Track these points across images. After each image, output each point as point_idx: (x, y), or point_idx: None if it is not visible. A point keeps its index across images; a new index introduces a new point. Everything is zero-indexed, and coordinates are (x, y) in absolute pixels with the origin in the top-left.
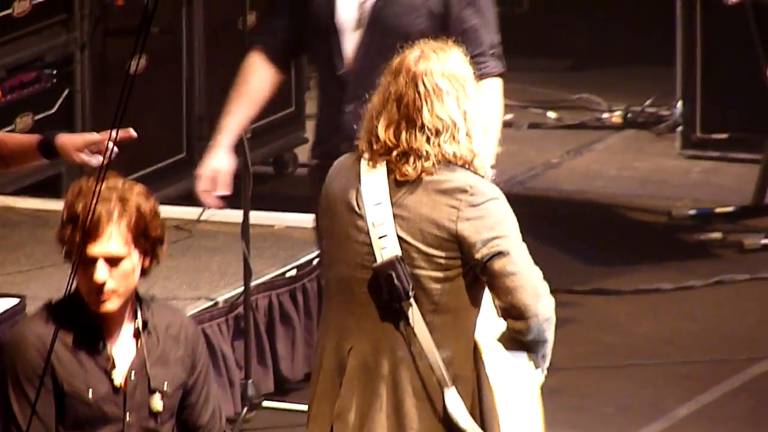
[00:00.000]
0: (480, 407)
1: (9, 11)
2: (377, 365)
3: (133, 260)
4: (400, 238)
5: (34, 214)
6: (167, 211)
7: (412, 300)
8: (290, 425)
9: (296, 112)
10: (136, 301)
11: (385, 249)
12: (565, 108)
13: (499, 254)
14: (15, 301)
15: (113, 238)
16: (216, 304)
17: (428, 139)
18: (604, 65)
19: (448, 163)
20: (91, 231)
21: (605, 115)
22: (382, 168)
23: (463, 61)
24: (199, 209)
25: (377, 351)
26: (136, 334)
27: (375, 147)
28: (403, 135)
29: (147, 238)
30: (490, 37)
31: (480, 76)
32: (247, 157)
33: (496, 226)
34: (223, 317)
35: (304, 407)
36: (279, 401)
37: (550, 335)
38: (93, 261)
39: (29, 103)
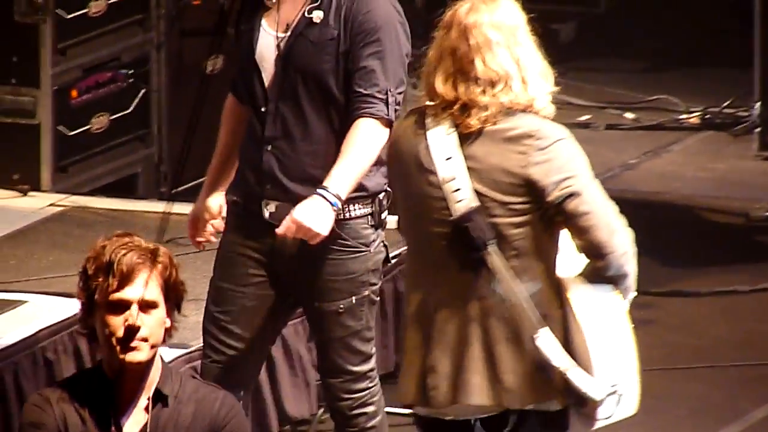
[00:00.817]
0: (570, 344)
1: (85, 11)
2: (465, 316)
3: (163, 312)
4: (475, 190)
5: (109, 214)
6: None
7: (493, 248)
8: None
9: None
10: (158, 368)
11: (460, 202)
12: (642, 109)
13: (571, 195)
14: None
15: (149, 284)
16: None
17: (484, 91)
18: (682, 66)
19: (509, 110)
20: (126, 276)
21: (683, 117)
22: (446, 122)
23: (512, 9)
24: None
25: (464, 302)
26: (147, 408)
27: (436, 102)
28: (461, 88)
29: (175, 293)
30: (386, 81)
31: (360, 115)
32: None
33: (565, 167)
34: (299, 318)
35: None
36: None
37: (629, 268)
38: (126, 307)
39: (105, 103)
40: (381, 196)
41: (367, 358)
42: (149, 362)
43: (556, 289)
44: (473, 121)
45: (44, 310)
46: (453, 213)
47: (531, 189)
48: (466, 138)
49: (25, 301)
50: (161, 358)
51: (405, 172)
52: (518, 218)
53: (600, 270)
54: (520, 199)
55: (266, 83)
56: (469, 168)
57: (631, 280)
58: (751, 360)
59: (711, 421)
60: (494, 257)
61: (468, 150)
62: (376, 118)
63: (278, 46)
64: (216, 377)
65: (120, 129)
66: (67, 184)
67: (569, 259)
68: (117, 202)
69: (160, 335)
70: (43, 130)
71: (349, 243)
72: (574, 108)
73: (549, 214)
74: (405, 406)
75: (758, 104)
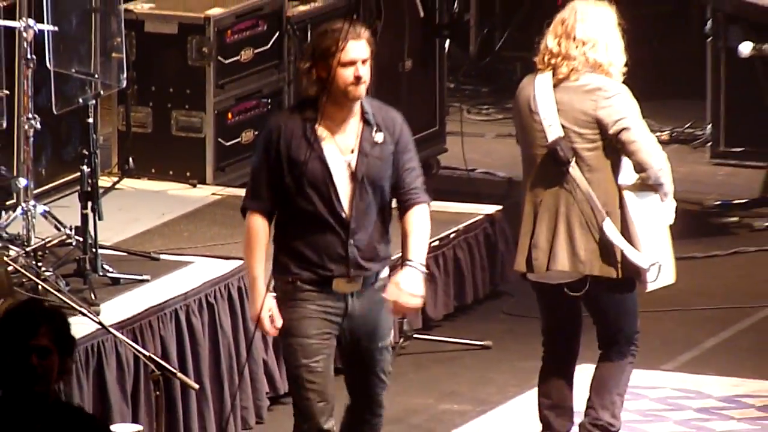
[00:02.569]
0: (625, 230)
1: (238, 57)
2: (556, 209)
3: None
4: (561, 124)
5: None
6: None
7: (573, 164)
8: (433, 351)
9: (439, 131)
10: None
11: (552, 132)
12: None
13: (624, 129)
14: (240, 261)
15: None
16: None
17: (577, 47)
18: (655, 98)
19: (591, 67)
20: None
21: (657, 134)
22: (548, 74)
23: (610, 9)
24: None
25: (556, 200)
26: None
27: (546, 57)
28: (562, 44)
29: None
30: (421, 174)
31: (416, 202)
32: None
33: (621, 111)
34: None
35: (445, 338)
36: (425, 335)
37: (665, 179)
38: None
39: (250, 123)
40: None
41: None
42: None
43: (617, 193)
44: (563, 69)
45: (207, 269)
46: (548, 139)
47: (599, 124)
48: (558, 86)
49: (194, 262)
50: None
51: (521, 112)
52: (590, 144)
53: (644, 180)
54: (591, 131)
55: (343, 195)
56: (558, 110)
57: (667, 189)
58: (705, 305)
59: (676, 348)
60: (575, 170)
61: (558, 97)
62: (426, 203)
63: (349, 165)
64: (321, 413)
65: None
66: (224, 179)
67: (628, 175)
68: None
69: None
70: (208, 141)
71: None
72: None
73: (611, 143)
74: (521, 275)
75: (709, 126)
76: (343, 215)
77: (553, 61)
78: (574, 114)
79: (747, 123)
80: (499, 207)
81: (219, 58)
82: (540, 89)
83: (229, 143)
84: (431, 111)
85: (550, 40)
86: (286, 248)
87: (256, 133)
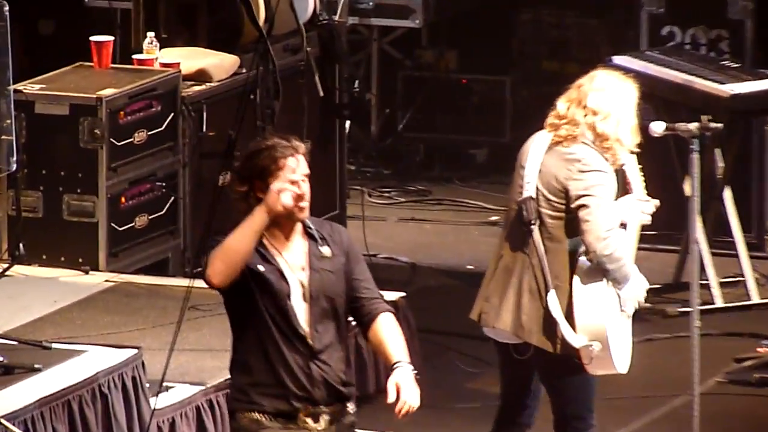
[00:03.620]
0: (567, 308)
1: (131, 140)
2: (513, 269)
3: None
4: (537, 187)
5: (148, 288)
6: None
7: (535, 228)
8: None
9: (339, 214)
10: None
11: (526, 191)
12: None
13: (584, 206)
14: (134, 351)
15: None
16: None
17: (585, 115)
18: None
19: (592, 140)
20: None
21: None
22: (548, 136)
23: (630, 84)
24: None
25: (514, 260)
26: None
27: (552, 120)
28: (571, 109)
29: None
30: (375, 287)
31: (382, 311)
32: None
33: (590, 188)
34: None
35: None
36: None
37: (610, 267)
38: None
39: (145, 207)
40: None
41: None
42: None
43: (570, 268)
44: (562, 132)
45: (101, 358)
46: (521, 196)
47: (566, 195)
48: (550, 149)
49: (87, 351)
50: None
51: (516, 165)
52: (555, 213)
53: (591, 261)
54: (558, 200)
55: (300, 314)
56: (540, 170)
57: (616, 276)
58: (616, 394)
59: None
60: (536, 234)
61: (545, 159)
62: (391, 312)
63: (302, 283)
64: None
65: (156, 226)
66: (117, 265)
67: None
68: (153, 279)
69: None
70: (101, 226)
71: None
72: (486, 210)
73: (573, 216)
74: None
75: None
76: (304, 333)
77: (556, 122)
78: (549, 179)
79: (661, 205)
80: (403, 294)
81: (111, 140)
82: (534, 147)
83: (122, 228)
84: (331, 194)
85: (561, 102)
86: (242, 365)
87: (151, 217)
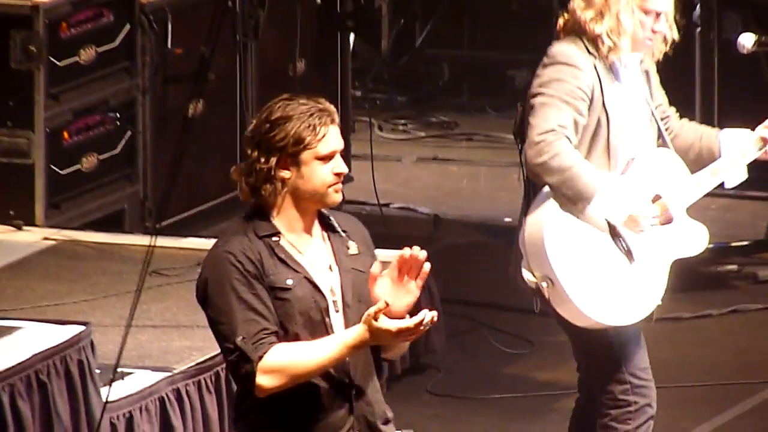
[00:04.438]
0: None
1: (76, 59)
2: None
3: None
4: None
5: (99, 247)
6: None
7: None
8: None
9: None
10: None
11: None
12: None
13: (532, 106)
14: (81, 327)
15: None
16: None
17: (582, 8)
18: None
19: (577, 36)
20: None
21: None
22: None
23: None
24: None
25: None
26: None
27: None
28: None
29: None
30: None
31: None
32: None
33: (543, 85)
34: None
35: None
36: None
37: (549, 180)
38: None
39: (94, 144)
40: None
41: None
42: None
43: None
44: (561, 21)
45: (38, 336)
46: None
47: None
48: None
49: (21, 328)
50: None
51: None
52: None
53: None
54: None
55: (339, 331)
56: None
57: (564, 193)
58: (694, 381)
59: None
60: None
61: None
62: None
63: (332, 289)
64: None
65: (108, 168)
66: (59, 219)
67: None
68: (105, 236)
69: None
70: (37, 169)
71: None
72: None
73: None
74: None
75: None
76: (346, 361)
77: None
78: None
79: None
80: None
81: (51, 59)
82: None
83: (65, 171)
84: None
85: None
86: (265, 412)
87: (102, 158)
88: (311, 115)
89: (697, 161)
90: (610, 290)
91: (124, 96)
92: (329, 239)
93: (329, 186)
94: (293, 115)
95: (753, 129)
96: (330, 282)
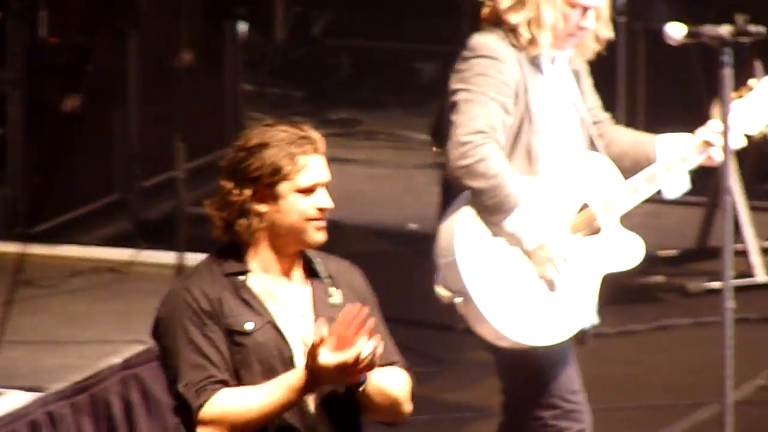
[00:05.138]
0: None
1: None
2: None
3: None
4: None
5: None
6: (101, 253)
7: None
8: None
9: None
10: None
11: None
12: None
13: (453, 104)
14: None
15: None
16: (150, 348)
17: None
18: None
19: (498, 27)
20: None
21: None
22: None
23: None
24: (133, 251)
25: None
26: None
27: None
28: None
29: None
30: (393, 344)
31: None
32: (182, 200)
33: (466, 80)
34: (159, 361)
35: None
36: None
37: (472, 184)
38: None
39: None
40: None
41: None
42: None
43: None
44: (484, 9)
45: None
46: None
47: None
48: None
49: None
50: None
51: None
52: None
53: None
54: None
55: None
56: None
57: (485, 202)
58: (617, 404)
59: None
60: None
61: None
62: (408, 370)
63: (305, 342)
64: None
65: None
66: None
67: None
68: None
69: None
70: None
71: None
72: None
73: None
74: None
75: None
76: (310, 411)
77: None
78: None
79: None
80: None
81: None
82: None
83: None
84: (218, 125)
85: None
86: None
87: None
88: (291, 143)
89: (634, 170)
90: (529, 307)
91: None
92: (312, 284)
93: (309, 221)
94: (271, 143)
95: (685, 131)
96: (301, 331)
